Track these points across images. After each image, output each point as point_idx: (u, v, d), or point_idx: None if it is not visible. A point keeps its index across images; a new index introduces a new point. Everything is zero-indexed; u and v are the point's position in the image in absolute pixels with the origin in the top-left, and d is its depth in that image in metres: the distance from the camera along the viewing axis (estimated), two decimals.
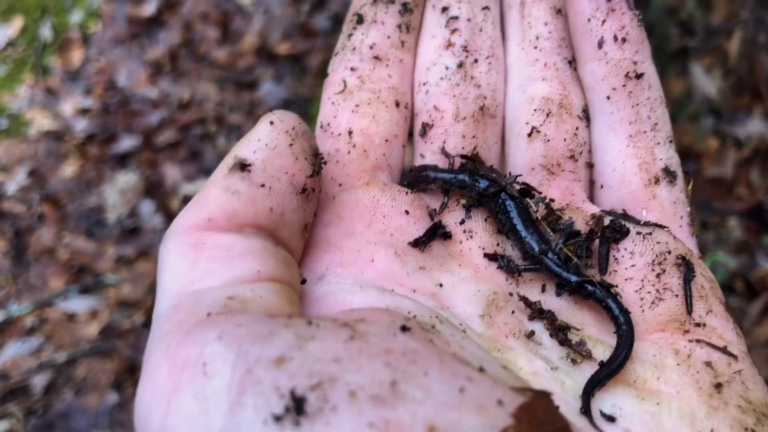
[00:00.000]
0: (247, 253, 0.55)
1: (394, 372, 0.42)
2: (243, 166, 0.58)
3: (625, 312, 0.66)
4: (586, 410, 0.59)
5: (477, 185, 0.76)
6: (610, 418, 0.60)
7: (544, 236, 0.72)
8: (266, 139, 0.60)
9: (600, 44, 0.75)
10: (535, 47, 0.80)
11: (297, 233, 0.62)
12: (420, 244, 0.70)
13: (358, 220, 0.69)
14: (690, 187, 0.77)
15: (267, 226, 0.58)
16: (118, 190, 3.13)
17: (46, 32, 3.53)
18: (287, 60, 3.41)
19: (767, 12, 2.90)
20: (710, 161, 2.83)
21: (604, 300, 0.67)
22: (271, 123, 0.62)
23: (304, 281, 0.64)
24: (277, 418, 0.39)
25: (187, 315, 0.49)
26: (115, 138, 3.29)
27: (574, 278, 0.69)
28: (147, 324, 2.72)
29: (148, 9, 3.50)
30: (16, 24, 3.55)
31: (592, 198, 0.80)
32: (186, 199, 3.05)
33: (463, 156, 0.79)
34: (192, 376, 0.43)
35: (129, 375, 2.60)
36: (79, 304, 2.79)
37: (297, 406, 0.39)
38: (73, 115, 3.39)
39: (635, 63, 0.75)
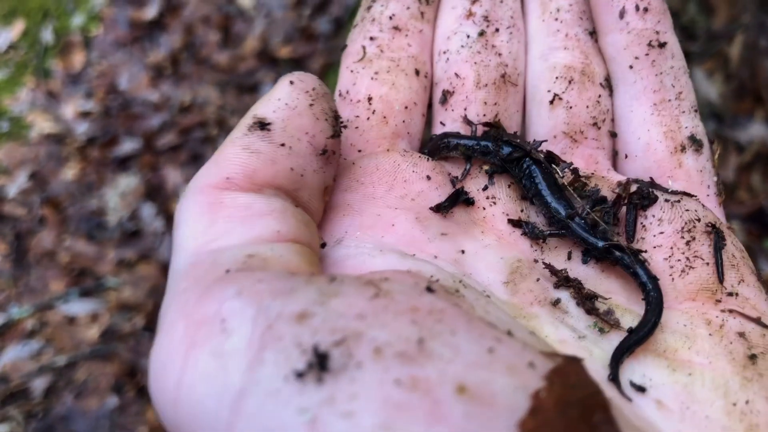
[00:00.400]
0: (266, 213, 0.54)
1: (421, 329, 0.41)
2: (263, 125, 0.57)
3: (654, 278, 0.64)
4: (614, 378, 0.57)
5: (500, 151, 0.74)
6: (641, 389, 0.58)
7: (571, 201, 0.71)
8: (286, 99, 0.59)
9: (621, 14, 0.74)
10: (556, 19, 0.79)
11: (317, 195, 0.61)
12: (442, 209, 0.68)
13: (379, 184, 0.68)
14: (717, 156, 0.76)
15: (287, 186, 0.57)
16: (119, 193, 3.13)
17: (47, 35, 3.53)
18: (288, 63, 3.41)
19: None
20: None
21: (632, 266, 0.65)
22: (291, 83, 0.60)
23: (323, 245, 0.63)
24: (300, 375, 0.38)
25: (206, 272, 0.48)
26: (116, 141, 3.29)
27: (601, 243, 0.67)
28: (148, 327, 2.71)
29: (150, 12, 3.51)
30: (18, 27, 3.55)
31: (616, 168, 0.79)
32: None
33: (485, 124, 0.78)
34: (210, 332, 0.42)
35: (129, 378, 2.60)
36: (79, 307, 2.79)
37: (320, 362, 0.38)
38: (74, 118, 3.39)
39: (657, 33, 0.74)
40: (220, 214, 0.53)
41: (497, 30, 0.79)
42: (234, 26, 3.50)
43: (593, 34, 0.80)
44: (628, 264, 0.65)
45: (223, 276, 0.46)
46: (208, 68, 3.48)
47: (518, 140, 0.75)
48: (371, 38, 0.77)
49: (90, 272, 2.89)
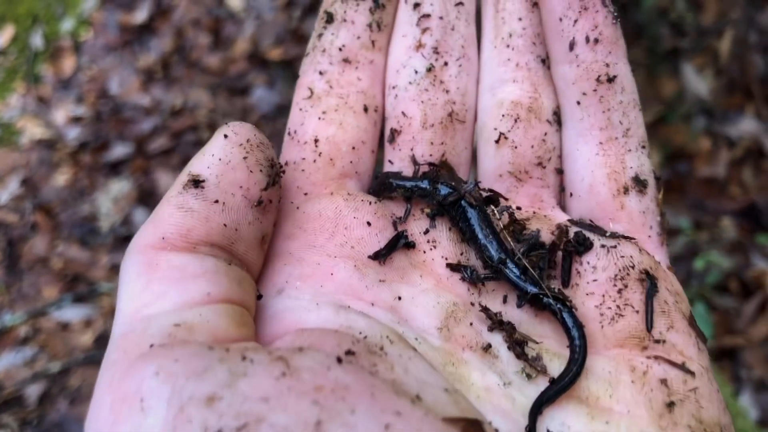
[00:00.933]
0: (199, 275, 0.55)
1: (321, 411, 0.43)
2: (196, 183, 0.58)
3: (580, 327, 0.65)
4: (531, 429, 0.58)
5: (437, 193, 0.74)
6: None
7: (504, 245, 0.71)
8: (220, 154, 0.60)
9: (571, 46, 0.72)
10: (508, 45, 0.78)
11: (254, 246, 0.62)
12: (380, 256, 0.69)
13: (320, 231, 0.68)
14: (661, 194, 0.75)
15: (221, 242, 0.58)
16: (111, 198, 3.12)
17: (37, 41, 3.53)
18: (279, 65, 3.40)
19: (757, 12, 2.90)
20: (703, 161, 2.83)
21: (559, 313, 0.66)
22: (225, 136, 0.61)
23: (260, 297, 0.63)
24: None
25: (133, 345, 0.49)
26: (107, 146, 3.28)
27: (531, 289, 0.68)
28: None
29: (140, 16, 3.50)
30: (7, 32, 3.54)
31: (563, 204, 0.79)
32: None
33: (430, 164, 0.77)
34: (130, 410, 0.44)
35: None
36: (73, 313, 2.78)
37: None
38: (65, 123, 3.39)
39: (608, 65, 0.72)
40: (154, 276, 0.54)
41: (446, 63, 0.78)
42: (224, 29, 3.50)
43: (546, 60, 0.78)
44: (555, 311, 0.66)
45: (146, 352, 0.48)
46: (198, 71, 3.47)
47: (454, 182, 0.75)
48: (321, 72, 0.76)
49: (83, 278, 2.89)
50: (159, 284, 0.53)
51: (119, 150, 3.25)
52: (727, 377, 2.39)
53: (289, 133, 0.75)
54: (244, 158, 0.60)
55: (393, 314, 0.65)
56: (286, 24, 3.43)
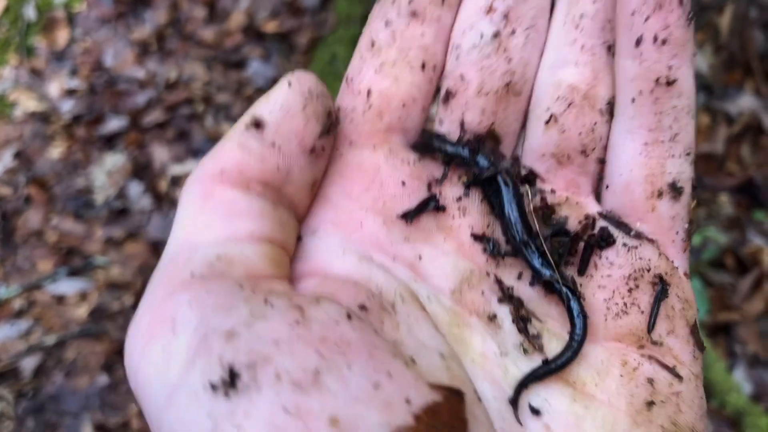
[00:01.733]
0: (246, 213, 0.59)
1: (321, 361, 0.47)
2: (257, 125, 0.62)
3: (584, 316, 0.67)
4: (513, 401, 0.61)
5: (476, 164, 0.75)
6: (536, 411, 0.62)
7: (530, 226, 0.72)
8: (282, 101, 0.63)
9: (638, 42, 0.71)
10: (577, 26, 0.76)
11: (304, 189, 0.66)
12: (408, 217, 0.70)
13: (358, 183, 0.70)
14: (695, 203, 0.75)
15: (273, 182, 0.62)
16: (105, 172, 3.10)
17: (30, 12, 3.48)
18: (275, 38, 3.37)
19: None
20: (701, 137, 2.82)
21: (567, 300, 0.68)
22: (289, 84, 0.64)
23: (299, 239, 0.67)
24: (213, 387, 0.45)
25: (177, 270, 0.54)
26: (102, 119, 3.25)
27: (546, 273, 0.69)
28: (136, 306, 2.71)
29: None
30: None
31: (598, 193, 0.79)
32: (174, 180, 3.03)
33: (476, 134, 0.77)
34: (164, 330, 0.50)
35: (119, 357, 2.59)
36: (67, 287, 2.78)
37: (231, 380, 0.45)
38: (59, 96, 3.36)
39: (670, 68, 0.71)
40: (207, 206, 0.59)
41: (513, 32, 0.77)
42: (219, 1, 3.46)
43: (612, 47, 0.76)
44: (564, 297, 0.68)
45: (186, 280, 0.53)
46: (194, 44, 3.44)
47: (495, 156, 0.75)
48: (386, 22, 0.76)
49: (78, 251, 2.88)
50: (210, 214, 0.58)
51: (114, 123, 3.23)
52: (721, 352, 2.40)
53: (346, 80, 0.76)
54: (303, 107, 0.63)
55: (411, 271, 0.68)
56: None
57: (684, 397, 0.65)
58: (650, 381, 0.64)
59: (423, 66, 0.77)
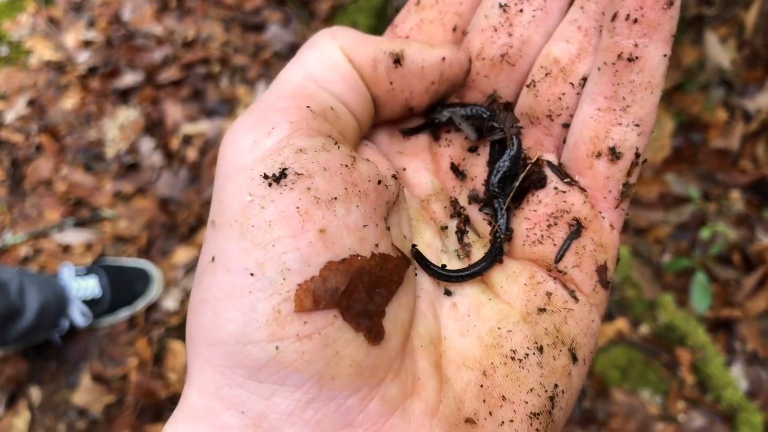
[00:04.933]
0: (358, 93, 0.74)
1: (343, 194, 0.63)
2: (397, 60, 0.77)
3: (509, 231, 0.80)
4: (427, 265, 0.75)
5: (491, 123, 0.86)
6: (448, 293, 0.76)
7: (505, 184, 0.84)
8: (426, 64, 0.80)
9: (613, 18, 0.78)
10: (582, 7, 0.85)
11: (366, 121, 0.80)
12: (406, 133, 0.86)
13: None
14: (636, 172, 0.83)
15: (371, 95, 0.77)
16: (118, 125, 3.09)
17: None
18: (295, 3, 3.34)
19: None
20: (717, 132, 2.80)
21: (497, 217, 0.82)
22: (443, 59, 0.81)
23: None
24: (266, 176, 0.60)
25: (299, 99, 0.68)
26: (117, 72, 3.24)
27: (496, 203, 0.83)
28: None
29: None
30: None
31: (559, 153, 0.88)
32: (186, 139, 3.02)
33: (493, 98, 0.88)
34: (264, 128, 0.64)
35: None
36: (74, 237, 2.78)
37: (279, 176, 0.60)
38: (75, 46, 3.34)
39: (636, 46, 0.78)
40: (337, 68, 0.73)
41: (521, 11, 0.86)
42: None
43: None
44: (491, 220, 0.82)
45: (302, 107, 0.67)
46: (213, 4, 3.41)
47: (511, 120, 0.87)
48: None
49: (86, 203, 2.88)
50: (338, 74, 0.73)
51: (129, 77, 3.21)
52: (720, 348, 2.40)
53: (392, 25, 0.89)
54: (432, 82, 0.81)
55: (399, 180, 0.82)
56: None
57: (574, 315, 0.75)
58: (548, 294, 0.76)
59: (454, 29, 0.89)
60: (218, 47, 3.26)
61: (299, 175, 0.61)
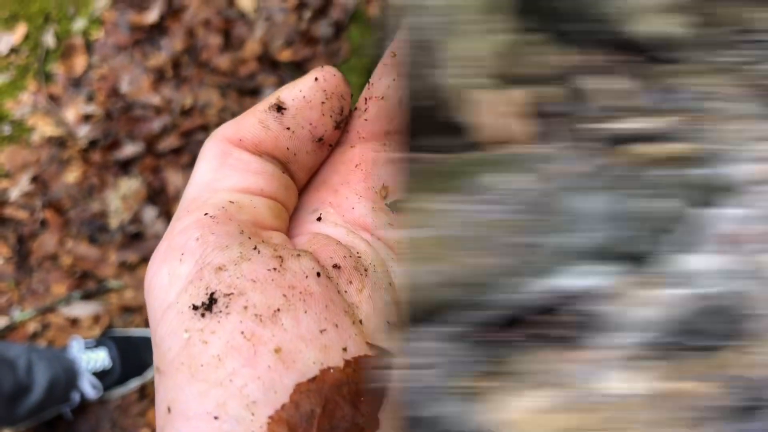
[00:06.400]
0: (258, 172, 0.69)
1: (285, 302, 0.57)
2: (279, 108, 0.70)
3: None
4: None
5: None
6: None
7: None
8: (306, 92, 0.71)
9: None
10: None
11: (305, 170, 0.75)
12: (393, 207, 0.81)
13: (356, 173, 0.79)
14: None
15: (282, 159, 0.71)
16: (120, 196, 3.14)
17: (49, 39, 3.55)
18: (289, 67, 3.42)
19: None
20: None
21: None
22: (315, 79, 0.72)
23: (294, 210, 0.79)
24: (195, 308, 0.55)
25: (195, 208, 0.64)
26: (117, 144, 3.30)
27: None
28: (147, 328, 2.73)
29: (151, 16, 3.52)
30: (20, 31, 3.57)
31: None
32: None
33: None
34: (174, 258, 0.59)
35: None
36: (81, 310, 2.80)
37: (209, 304, 0.55)
38: (75, 121, 3.41)
39: None
40: (226, 162, 0.68)
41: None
42: (234, 30, 3.52)
43: None
44: None
45: (200, 218, 0.62)
46: (209, 71, 3.49)
47: None
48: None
49: (92, 275, 2.91)
50: (228, 169, 0.68)
51: (129, 148, 3.27)
52: None
53: (368, 84, 0.84)
54: (323, 102, 0.71)
55: (391, 251, 0.77)
56: (296, 26, 3.45)
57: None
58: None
59: None
60: (216, 113, 3.33)
61: (229, 295, 0.56)
